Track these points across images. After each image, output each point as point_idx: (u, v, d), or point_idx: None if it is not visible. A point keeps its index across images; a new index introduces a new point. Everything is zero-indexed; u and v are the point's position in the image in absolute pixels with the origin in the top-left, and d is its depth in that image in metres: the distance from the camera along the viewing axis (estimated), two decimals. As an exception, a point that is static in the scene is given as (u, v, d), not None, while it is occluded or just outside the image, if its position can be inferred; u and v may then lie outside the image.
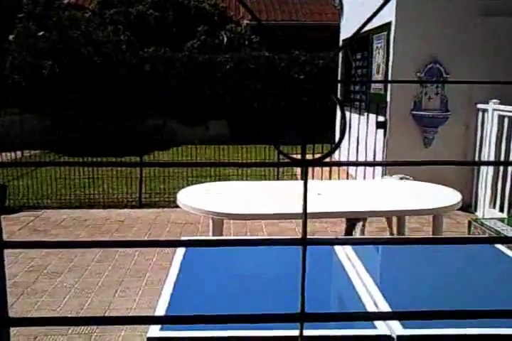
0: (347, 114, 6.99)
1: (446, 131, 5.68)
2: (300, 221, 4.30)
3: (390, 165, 5.65)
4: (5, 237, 0.50)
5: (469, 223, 4.51)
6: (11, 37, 9.99)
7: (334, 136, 8.17)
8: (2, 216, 5.33)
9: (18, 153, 7.17)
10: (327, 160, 0.54)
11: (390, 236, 3.93)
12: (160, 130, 10.20)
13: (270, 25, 12.38)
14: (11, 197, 5.98)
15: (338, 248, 2.03)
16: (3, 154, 6.91)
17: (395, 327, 1.43)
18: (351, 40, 6.24)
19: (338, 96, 7.90)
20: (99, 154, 7.82)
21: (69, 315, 3.24)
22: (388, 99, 5.80)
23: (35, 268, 3.99)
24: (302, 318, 0.59)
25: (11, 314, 0.49)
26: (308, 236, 0.57)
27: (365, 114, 6.42)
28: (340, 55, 8.09)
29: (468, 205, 5.44)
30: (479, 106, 5.50)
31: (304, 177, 0.59)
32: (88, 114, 9.70)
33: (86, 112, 9.66)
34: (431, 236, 3.33)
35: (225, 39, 11.36)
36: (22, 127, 7.32)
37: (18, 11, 10.09)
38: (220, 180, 6.09)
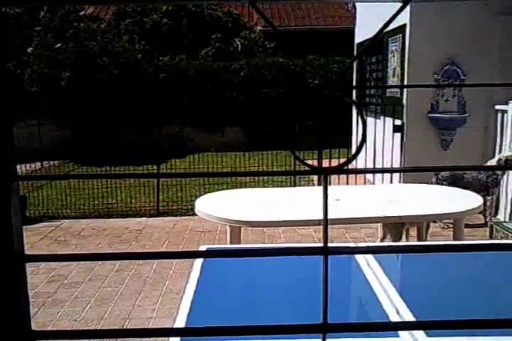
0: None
1: (464, 133, 5.60)
2: (318, 227, 4.26)
3: (409, 172, 5.63)
4: (26, 248, 0.49)
5: (491, 226, 4.43)
6: (29, 49, 10.15)
7: (351, 140, 8.12)
8: (23, 227, 5.39)
9: (38, 164, 7.25)
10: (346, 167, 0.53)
11: (413, 244, 3.87)
12: (176, 138, 10.25)
13: (283, 31, 12.39)
14: (31, 207, 6.05)
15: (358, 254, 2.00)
16: (23, 165, 7.00)
17: (419, 336, 1.40)
18: (366, 48, 6.21)
19: (353, 99, 7.85)
20: (117, 163, 7.88)
21: (90, 325, 3.24)
22: (404, 102, 5.74)
23: (55, 278, 4.01)
24: (325, 329, 0.57)
25: (33, 324, 0.48)
26: (328, 244, 0.55)
27: (381, 117, 6.37)
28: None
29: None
30: (498, 107, 5.40)
31: (324, 186, 0.57)
32: (105, 124, 9.79)
33: (103, 122, 9.75)
34: (454, 242, 3.27)
35: (239, 46, 11.40)
36: (40, 138, 7.43)
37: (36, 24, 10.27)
38: (236, 187, 6.08)
